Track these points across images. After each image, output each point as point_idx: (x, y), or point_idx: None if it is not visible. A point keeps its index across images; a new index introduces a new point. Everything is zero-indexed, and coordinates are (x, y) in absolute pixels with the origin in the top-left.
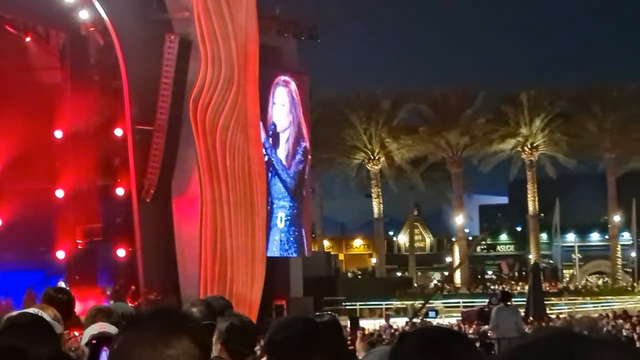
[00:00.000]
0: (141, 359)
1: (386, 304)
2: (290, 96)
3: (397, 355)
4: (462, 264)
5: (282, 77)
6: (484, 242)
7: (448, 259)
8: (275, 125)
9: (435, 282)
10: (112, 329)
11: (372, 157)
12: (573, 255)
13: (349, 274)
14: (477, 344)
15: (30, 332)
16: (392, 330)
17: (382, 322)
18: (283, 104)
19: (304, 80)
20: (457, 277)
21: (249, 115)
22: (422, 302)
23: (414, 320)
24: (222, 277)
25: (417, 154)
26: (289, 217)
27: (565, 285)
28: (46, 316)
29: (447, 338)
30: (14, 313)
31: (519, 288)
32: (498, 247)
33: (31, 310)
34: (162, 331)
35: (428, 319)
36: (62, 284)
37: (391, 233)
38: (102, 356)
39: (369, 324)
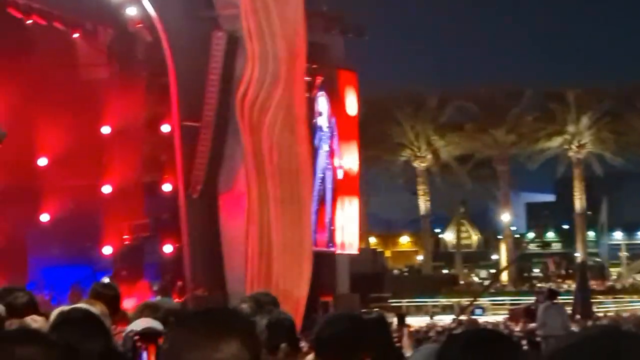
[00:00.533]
0: None
1: (432, 302)
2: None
3: (444, 356)
4: (508, 267)
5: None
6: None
7: (494, 257)
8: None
9: (479, 279)
10: (156, 325)
11: (418, 155)
12: (620, 254)
13: (395, 271)
14: (524, 342)
15: (82, 327)
16: (440, 328)
17: (428, 319)
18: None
19: (352, 77)
20: (504, 275)
21: (296, 113)
22: (469, 300)
23: (461, 317)
24: (268, 273)
25: (463, 151)
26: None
27: (612, 283)
28: (95, 312)
29: (493, 340)
30: (66, 308)
31: (565, 286)
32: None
33: (79, 305)
34: (211, 333)
35: (474, 317)
36: (106, 280)
37: (437, 230)
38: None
39: (415, 322)
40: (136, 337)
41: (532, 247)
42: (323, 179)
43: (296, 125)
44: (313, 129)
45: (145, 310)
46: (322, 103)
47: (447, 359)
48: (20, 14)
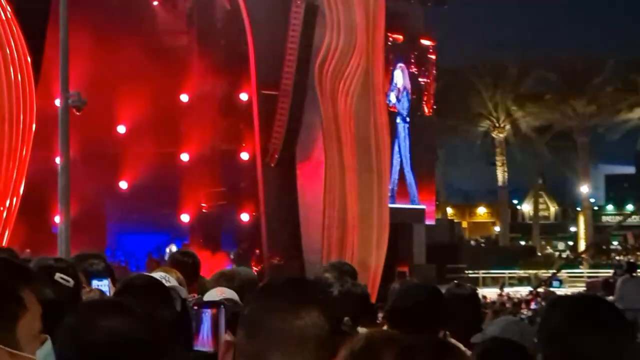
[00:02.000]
0: (270, 328)
1: (509, 273)
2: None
3: (548, 321)
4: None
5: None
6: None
7: (572, 229)
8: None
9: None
10: (230, 294)
11: (497, 125)
12: None
13: (472, 242)
14: None
15: (146, 294)
16: (516, 300)
17: (507, 290)
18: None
19: (430, 47)
20: (582, 247)
21: (374, 82)
22: (547, 271)
23: (538, 289)
24: (345, 242)
25: (543, 122)
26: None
27: None
28: (172, 279)
29: (596, 305)
30: (132, 276)
31: None
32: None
33: (156, 273)
34: (292, 302)
35: (552, 289)
36: (173, 248)
37: (515, 201)
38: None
39: (492, 293)
40: (195, 307)
41: (610, 220)
42: (405, 149)
43: (374, 94)
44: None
45: (221, 279)
46: (400, 73)
47: (550, 324)
48: None
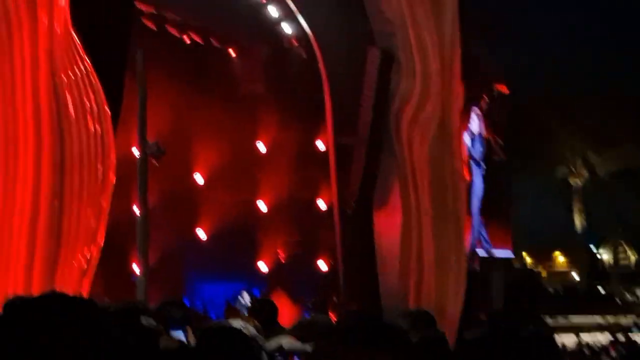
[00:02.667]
0: None
1: (588, 320)
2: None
3: None
4: None
5: (476, 109)
6: None
7: None
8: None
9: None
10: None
11: (574, 170)
12: None
13: (550, 289)
14: None
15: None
16: (595, 348)
17: (585, 337)
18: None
19: (505, 91)
20: None
21: (450, 128)
22: (627, 318)
23: (618, 337)
24: (422, 289)
25: (620, 167)
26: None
27: None
28: (251, 328)
29: None
30: (212, 324)
31: None
32: None
33: (235, 322)
34: (368, 344)
35: (632, 334)
36: (245, 295)
37: (593, 248)
38: None
39: (570, 340)
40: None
41: None
42: (479, 194)
43: (450, 140)
44: (468, 143)
45: (300, 327)
46: (474, 117)
47: None
48: (177, 32)
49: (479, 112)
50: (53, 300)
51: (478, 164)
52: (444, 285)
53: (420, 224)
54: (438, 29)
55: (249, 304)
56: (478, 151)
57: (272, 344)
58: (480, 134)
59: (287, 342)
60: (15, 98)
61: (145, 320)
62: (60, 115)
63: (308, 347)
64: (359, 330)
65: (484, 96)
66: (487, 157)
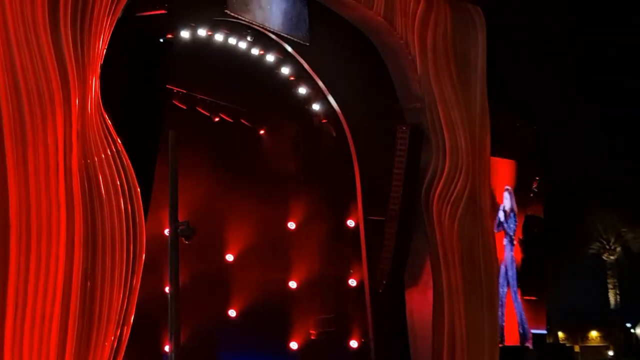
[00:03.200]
0: None
1: None
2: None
3: None
4: None
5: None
6: None
7: None
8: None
9: None
10: None
11: (607, 247)
12: None
13: None
14: None
15: None
16: None
17: None
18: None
19: (537, 169)
20: None
21: (481, 204)
22: None
23: None
24: None
25: None
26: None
27: None
28: None
29: None
30: None
31: None
32: None
33: None
34: None
35: None
36: None
37: (629, 325)
38: None
39: None
40: None
41: None
42: (507, 273)
43: (482, 217)
44: (498, 220)
45: None
46: (507, 195)
47: None
48: (208, 113)
49: (511, 189)
50: None
51: (511, 241)
52: None
53: (453, 300)
54: (466, 106)
55: None
56: (511, 228)
57: None
58: (513, 211)
59: None
60: (49, 181)
61: None
62: (92, 197)
63: None
64: None
65: (517, 173)
66: (525, 233)
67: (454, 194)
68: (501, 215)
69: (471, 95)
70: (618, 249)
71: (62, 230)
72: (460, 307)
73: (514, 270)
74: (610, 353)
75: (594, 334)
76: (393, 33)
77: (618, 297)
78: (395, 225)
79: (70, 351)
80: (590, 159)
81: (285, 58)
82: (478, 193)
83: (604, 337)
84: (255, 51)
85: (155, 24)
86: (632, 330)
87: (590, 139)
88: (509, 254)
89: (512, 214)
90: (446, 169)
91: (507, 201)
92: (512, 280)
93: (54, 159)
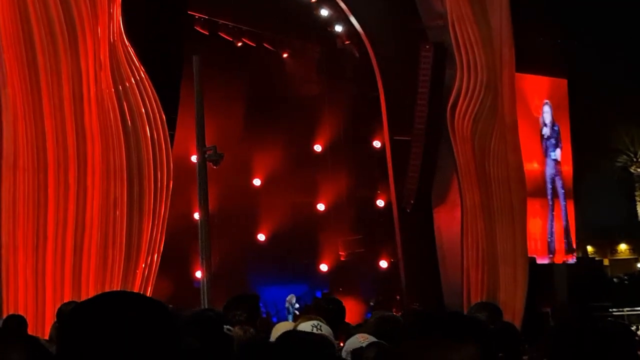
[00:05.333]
0: None
1: None
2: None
3: None
4: None
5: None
6: None
7: None
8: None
9: None
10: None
11: (635, 159)
12: None
13: (615, 280)
14: None
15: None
16: None
17: None
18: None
19: (562, 84)
20: None
21: (506, 121)
22: None
23: None
24: (485, 284)
25: None
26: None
27: None
28: (324, 327)
29: None
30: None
31: None
32: None
33: (307, 322)
34: (451, 337)
35: None
36: (293, 299)
37: None
38: None
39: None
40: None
41: None
42: (552, 188)
43: (507, 134)
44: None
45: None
46: (548, 108)
47: None
48: (230, 37)
49: (549, 102)
50: (127, 299)
51: (553, 150)
52: (507, 280)
53: (482, 219)
54: (488, 23)
55: (296, 310)
56: (552, 141)
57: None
58: (552, 123)
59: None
60: (82, 109)
61: (227, 330)
62: (117, 125)
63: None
64: (440, 320)
65: (548, 88)
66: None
67: (479, 111)
68: (546, 130)
69: (494, 11)
70: None
71: (97, 159)
72: (489, 225)
73: (562, 182)
74: None
75: (622, 246)
76: None
77: None
78: (421, 144)
79: (105, 278)
80: (617, 70)
81: None
82: (503, 109)
83: (632, 249)
84: None
85: None
86: None
87: (617, 51)
88: (551, 169)
89: (550, 126)
90: (471, 86)
91: (547, 115)
92: (560, 191)
93: (86, 88)
